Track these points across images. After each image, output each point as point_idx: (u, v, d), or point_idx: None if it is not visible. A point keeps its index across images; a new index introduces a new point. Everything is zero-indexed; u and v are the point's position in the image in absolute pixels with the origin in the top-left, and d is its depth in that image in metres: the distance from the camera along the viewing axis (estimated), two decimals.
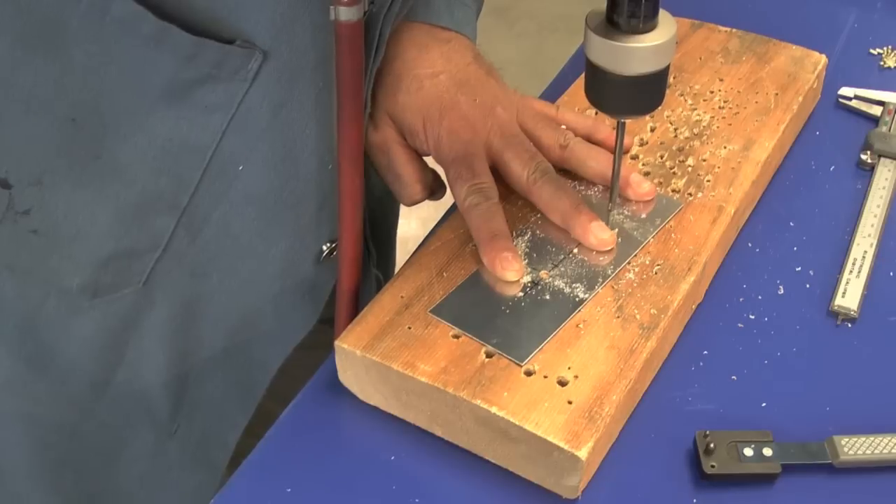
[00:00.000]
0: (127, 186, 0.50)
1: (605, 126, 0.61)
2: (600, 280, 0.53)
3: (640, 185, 0.57)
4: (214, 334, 0.59)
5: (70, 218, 0.51)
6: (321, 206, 0.56)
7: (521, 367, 0.48)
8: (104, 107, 0.48)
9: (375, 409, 0.51)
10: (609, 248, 0.54)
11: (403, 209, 0.70)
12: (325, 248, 0.58)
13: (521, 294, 0.52)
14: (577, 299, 0.52)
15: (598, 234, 0.54)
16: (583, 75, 0.67)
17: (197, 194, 0.51)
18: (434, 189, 0.59)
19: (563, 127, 0.60)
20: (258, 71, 0.48)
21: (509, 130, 0.57)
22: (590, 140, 0.60)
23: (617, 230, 0.55)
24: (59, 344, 0.56)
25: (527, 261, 0.54)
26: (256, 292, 0.58)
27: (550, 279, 0.53)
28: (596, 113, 0.61)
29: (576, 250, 0.55)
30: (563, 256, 0.54)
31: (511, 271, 0.52)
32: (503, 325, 0.50)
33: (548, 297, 0.52)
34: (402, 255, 0.60)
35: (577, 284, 0.53)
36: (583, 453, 0.45)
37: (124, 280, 0.54)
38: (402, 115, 0.57)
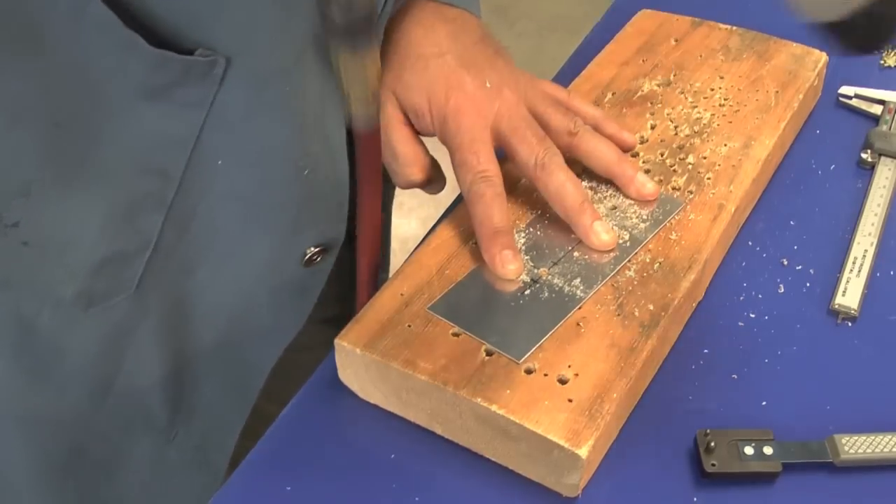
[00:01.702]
0: (114, 188, 0.50)
1: (612, 122, 0.60)
2: (600, 279, 0.53)
3: (644, 186, 0.57)
4: (206, 334, 0.59)
5: (60, 226, 0.51)
6: (300, 210, 0.56)
7: (519, 364, 0.48)
8: (87, 108, 0.48)
9: (375, 407, 0.51)
10: (610, 249, 0.54)
11: (403, 209, 0.69)
12: (309, 252, 0.58)
13: (519, 292, 0.52)
14: (575, 298, 0.52)
15: (601, 236, 0.54)
16: (582, 74, 0.67)
17: (182, 189, 0.51)
18: (433, 178, 0.59)
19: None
20: (224, 74, 0.48)
21: (517, 113, 0.56)
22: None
23: (618, 231, 0.55)
24: (56, 357, 0.56)
25: (527, 258, 0.54)
26: (243, 290, 0.58)
27: (550, 277, 0.53)
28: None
29: (575, 250, 0.54)
30: (562, 254, 0.54)
31: (510, 268, 0.52)
32: (501, 322, 0.50)
33: (546, 295, 0.52)
34: (402, 255, 0.59)
35: (577, 283, 0.53)
36: (583, 451, 0.45)
37: (117, 287, 0.54)
38: (406, 95, 0.56)
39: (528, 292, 0.52)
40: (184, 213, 0.52)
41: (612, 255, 0.54)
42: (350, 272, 0.65)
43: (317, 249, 0.58)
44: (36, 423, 0.59)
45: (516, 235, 0.55)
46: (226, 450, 0.63)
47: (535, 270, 0.53)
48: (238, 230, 0.55)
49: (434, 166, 0.59)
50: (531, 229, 0.56)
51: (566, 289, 0.52)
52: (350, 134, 0.58)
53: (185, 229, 0.53)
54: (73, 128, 0.48)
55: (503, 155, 0.58)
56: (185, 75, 0.47)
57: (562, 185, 0.54)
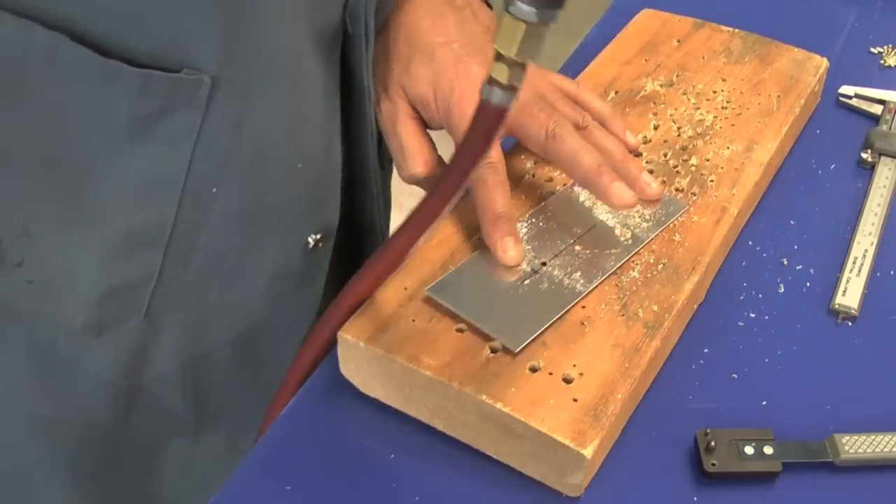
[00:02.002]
0: (110, 225, 0.50)
1: (619, 120, 0.60)
2: (600, 274, 0.53)
3: (648, 186, 0.56)
4: (222, 339, 0.59)
5: (61, 263, 0.51)
6: (297, 203, 0.56)
7: (515, 356, 0.48)
8: (74, 150, 0.48)
9: (376, 407, 0.51)
10: (631, 207, 0.54)
11: (404, 209, 0.69)
12: (311, 240, 0.58)
13: (519, 280, 0.52)
14: (575, 291, 0.52)
15: (623, 196, 0.53)
16: (585, 73, 0.67)
17: (178, 224, 0.51)
18: (437, 175, 0.58)
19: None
20: (210, 96, 0.47)
21: (521, 97, 0.56)
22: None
23: (621, 229, 0.55)
24: (77, 376, 0.56)
25: (528, 248, 0.54)
26: (254, 298, 0.58)
27: (550, 268, 0.53)
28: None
29: (577, 244, 0.54)
30: (564, 247, 0.54)
31: (511, 254, 0.52)
32: (499, 309, 0.50)
33: (546, 286, 0.52)
34: None
35: (577, 276, 0.53)
36: (588, 452, 0.45)
37: (126, 314, 0.54)
38: (413, 86, 0.56)
39: (527, 282, 0.52)
40: (184, 245, 0.52)
41: (613, 252, 0.54)
42: (340, 265, 0.65)
43: (317, 237, 0.58)
44: (65, 438, 0.59)
45: (518, 225, 0.55)
46: (253, 433, 0.63)
47: (536, 261, 0.53)
48: (241, 248, 0.55)
49: (441, 164, 0.58)
50: (534, 220, 0.56)
51: (566, 281, 0.52)
52: (345, 117, 0.58)
53: (188, 259, 0.53)
54: (62, 170, 0.48)
55: (506, 152, 0.58)
56: (170, 97, 0.46)
57: (575, 152, 0.54)
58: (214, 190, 0.51)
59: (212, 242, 0.53)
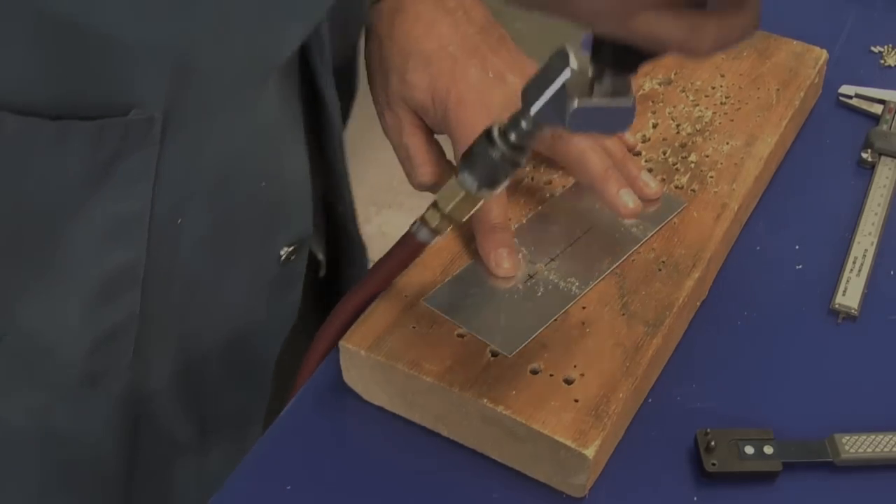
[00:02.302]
0: (83, 280, 0.50)
1: None
2: (596, 276, 0.53)
3: (647, 185, 0.56)
4: (211, 357, 0.59)
5: (43, 330, 0.51)
6: (266, 222, 0.56)
7: (509, 358, 0.48)
8: (37, 216, 0.47)
9: (375, 407, 0.51)
10: (636, 216, 0.54)
11: (404, 209, 0.69)
12: (282, 253, 0.57)
13: (515, 287, 0.52)
14: (571, 294, 0.52)
15: (628, 204, 0.53)
16: None
17: (150, 261, 0.51)
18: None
19: None
20: (163, 130, 0.46)
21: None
22: None
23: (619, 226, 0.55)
24: (82, 435, 0.56)
25: (524, 252, 0.54)
26: (234, 312, 0.58)
27: (546, 273, 0.53)
28: None
29: (573, 246, 0.54)
30: (560, 251, 0.54)
31: (505, 266, 0.52)
32: (495, 317, 0.50)
33: (542, 290, 0.52)
34: None
35: (573, 279, 0.52)
36: (590, 452, 0.45)
37: (116, 361, 0.54)
38: (411, 95, 0.56)
39: (523, 287, 0.52)
40: (159, 280, 0.52)
41: (610, 252, 0.54)
42: (311, 267, 0.65)
43: (290, 249, 0.57)
44: (78, 485, 0.59)
45: (515, 229, 0.54)
46: (255, 435, 0.63)
47: (533, 266, 0.53)
48: (213, 266, 0.55)
49: (449, 169, 0.58)
50: (532, 224, 0.55)
51: (562, 285, 0.52)
52: (315, 128, 0.57)
53: (165, 292, 0.53)
54: (25, 240, 0.47)
55: None
56: (124, 140, 0.45)
57: (583, 153, 0.54)
58: (180, 221, 0.51)
59: (185, 271, 0.53)
